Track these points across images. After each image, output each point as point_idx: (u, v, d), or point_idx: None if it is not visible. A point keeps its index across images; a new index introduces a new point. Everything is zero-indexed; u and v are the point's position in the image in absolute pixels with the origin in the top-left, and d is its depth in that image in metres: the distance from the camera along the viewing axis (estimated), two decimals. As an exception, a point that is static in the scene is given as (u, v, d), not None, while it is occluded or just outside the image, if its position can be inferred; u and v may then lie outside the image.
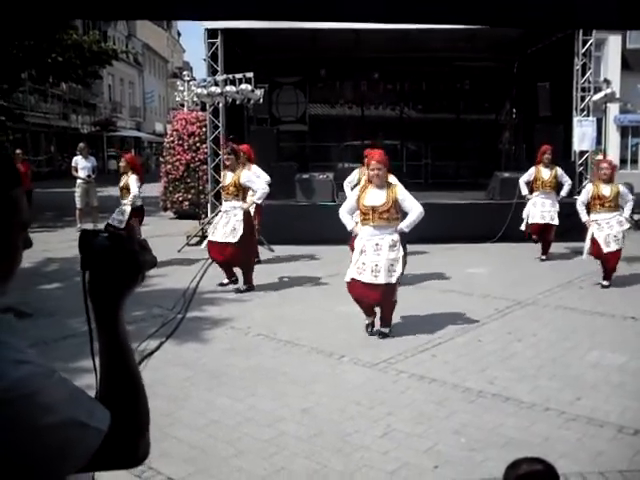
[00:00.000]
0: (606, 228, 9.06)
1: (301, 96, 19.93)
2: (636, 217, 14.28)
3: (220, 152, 13.22)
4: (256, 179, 9.29)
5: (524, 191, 11.24)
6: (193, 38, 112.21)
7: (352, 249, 7.21)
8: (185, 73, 25.07)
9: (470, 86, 19.85)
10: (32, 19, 14.36)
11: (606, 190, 9.12)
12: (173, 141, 17.44)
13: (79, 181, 15.46)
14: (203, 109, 16.13)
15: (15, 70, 19.51)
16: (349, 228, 7.08)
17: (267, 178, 10.41)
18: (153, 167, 40.68)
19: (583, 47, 13.60)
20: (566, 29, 12.46)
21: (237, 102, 13.53)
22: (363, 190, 6.93)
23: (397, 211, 6.80)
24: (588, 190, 9.40)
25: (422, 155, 19.80)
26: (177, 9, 2.04)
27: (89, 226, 13.40)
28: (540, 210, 10.99)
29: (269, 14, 2.26)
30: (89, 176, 15.46)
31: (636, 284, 9.25)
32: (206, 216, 13.92)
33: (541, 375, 5.75)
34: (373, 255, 6.67)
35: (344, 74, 19.78)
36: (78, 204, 15.34)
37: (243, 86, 13.03)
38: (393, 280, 6.69)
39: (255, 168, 10.37)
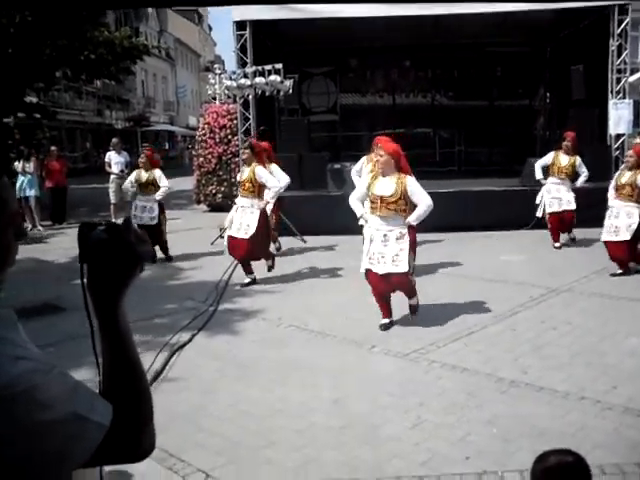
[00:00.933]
0: (613, 217, 8.87)
1: (332, 86, 19.85)
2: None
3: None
4: (269, 176, 9.03)
5: (538, 175, 11.04)
6: (224, 32, 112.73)
7: None
8: (217, 66, 25.14)
9: (502, 72, 19.61)
10: (61, 15, 14.50)
11: (624, 178, 8.90)
12: (205, 134, 17.51)
13: (113, 176, 15.61)
14: (234, 102, 16.16)
15: (50, 69, 19.72)
16: (358, 215, 7.02)
17: (286, 179, 9.69)
18: (187, 160, 40.88)
19: (619, 27, 13.28)
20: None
21: (267, 93, 13.52)
22: (374, 178, 6.85)
23: (406, 202, 6.64)
24: (615, 177, 9.19)
25: (455, 142, 19.58)
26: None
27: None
28: (556, 197, 10.82)
29: None
30: (122, 171, 15.60)
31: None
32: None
33: (576, 364, 5.65)
34: (380, 246, 6.62)
35: (375, 63, 19.66)
36: (112, 199, 15.49)
37: (272, 77, 13.01)
38: (399, 269, 6.55)
39: (274, 167, 9.91)
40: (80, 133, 42.04)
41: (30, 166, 15.49)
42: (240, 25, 13.64)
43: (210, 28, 75.01)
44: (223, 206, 16.58)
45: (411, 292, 6.94)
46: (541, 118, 19.73)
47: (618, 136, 13.55)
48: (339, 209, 12.32)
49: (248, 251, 8.69)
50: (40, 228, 15.20)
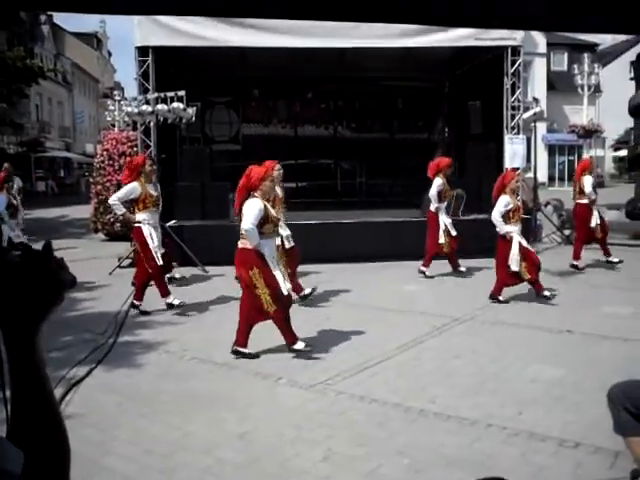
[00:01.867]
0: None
1: (234, 115, 19.78)
2: (567, 232, 14.64)
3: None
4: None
5: (437, 202, 11.18)
6: (124, 58, 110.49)
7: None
8: (116, 93, 24.65)
9: (403, 105, 20.09)
10: None
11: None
12: (103, 161, 17.05)
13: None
14: (134, 129, 15.81)
15: None
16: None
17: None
18: (83, 188, 39.69)
19: (512, 67, 13.88)
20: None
21: (169, 121, 13.27)
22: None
23: None
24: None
25: (356, 174, 19.87)
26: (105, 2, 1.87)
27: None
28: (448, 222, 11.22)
29: (190, 9, 2.11)
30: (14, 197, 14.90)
31: (568, 297, 9.38)
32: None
33: (482, 391, 5.71)
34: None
35: (277, 93, 19.72)
36: (3, 226, 14.77)
37: (175, 104, 12.80)
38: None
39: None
40: (-33, 157, 40.14)
41: None
42: (142, 51, 13.37)
43: (110, 54, 73.64)
44: (122, 235, 16.14)
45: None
46: (439, 151, 20.29)
47: (513, 170, 14.07)
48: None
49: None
50: None
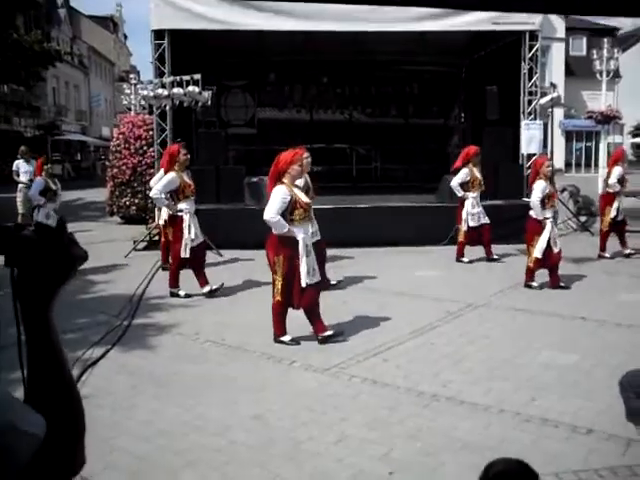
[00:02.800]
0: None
1: (249, 99, 19.75)
2: (583, 219, 14.55)
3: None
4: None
5: (460, 192, 11.19)
6: (141, 42, 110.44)
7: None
8: (132, 76, 24.66)
9: (419, 90, 19.99)
10: None
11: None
12: (119, 145, 17.09)
13: (21, 185, 15.04)
14: (150, 112, 15.83)
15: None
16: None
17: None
18: (99, 172, 39.86)
19: (529, 52, 13.75)
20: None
21: (185, 104, 13.29)
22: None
23: None
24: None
25: (372, 159, 19.81)
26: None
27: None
28: (476, 212, 11.14)
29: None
30: (31, 180, 15.00)
31: (584, 285, 9.35)
32: (153, 220, 13.62)
33: (495, 377, 5.71)
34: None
35: (293, 78, 19.69)
36: (20, 209, 14.91)
37: (190, 88, 12.80)
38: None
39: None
40: (-15, 140, 40.36)
41: None
42: (158, 34, 13.37)
43: (126, 37, 73.62)
44: (137, 218, 16.23)
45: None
46: (455, 136, 20.17)
47: (529, 155, 13.98)
48: (256, 223, 12.26)
49: None
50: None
